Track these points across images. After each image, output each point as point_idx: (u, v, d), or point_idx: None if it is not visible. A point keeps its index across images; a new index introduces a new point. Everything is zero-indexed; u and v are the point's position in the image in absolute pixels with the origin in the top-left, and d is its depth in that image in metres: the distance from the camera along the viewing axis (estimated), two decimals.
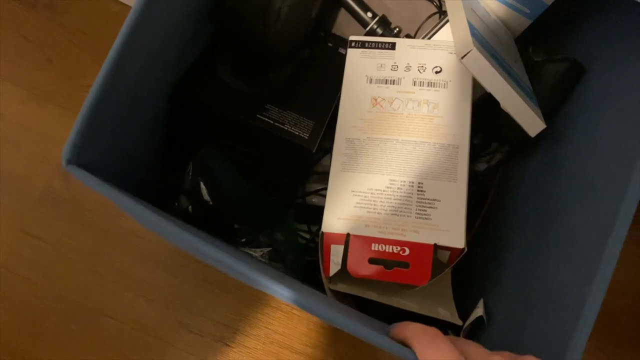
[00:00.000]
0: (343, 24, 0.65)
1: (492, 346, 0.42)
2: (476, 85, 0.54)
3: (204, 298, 0.70)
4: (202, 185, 0.53)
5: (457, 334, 0.51)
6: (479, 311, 0.49)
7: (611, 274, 0.35)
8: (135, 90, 0.42)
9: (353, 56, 0.55)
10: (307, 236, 0.60)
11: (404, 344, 0.33)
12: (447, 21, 0.60)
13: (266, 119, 0.51)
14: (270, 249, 0.58)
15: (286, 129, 0.51)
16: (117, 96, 0.39)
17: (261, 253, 0.58)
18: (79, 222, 0.71)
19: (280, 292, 0.35)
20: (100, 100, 0.36)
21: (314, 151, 0.51)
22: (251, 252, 0.58)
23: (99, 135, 0.38)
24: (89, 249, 0.71)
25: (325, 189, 0.54)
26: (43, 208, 0.71)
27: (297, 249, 0.59)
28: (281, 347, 0.70)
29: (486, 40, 0.52)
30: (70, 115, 0.73)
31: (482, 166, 0.64)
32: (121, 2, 0.76)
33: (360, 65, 0.55)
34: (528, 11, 0.59)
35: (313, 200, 0.62)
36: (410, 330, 0.33)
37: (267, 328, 0.70)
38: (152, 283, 0.70)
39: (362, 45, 0.56)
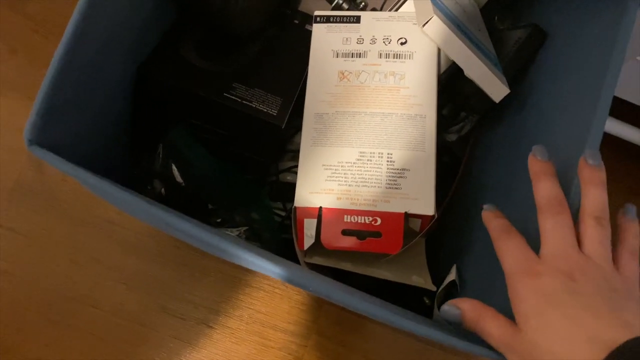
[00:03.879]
0: (309, 1, 0.65)
1: None
2: (444, 57, 0.55)
3: (184, 282, 0.70)
4: (174, 167, 0.53)
5: (432, 299, 0.52)
6: (451, 276, 0.50)
7: None
8: (96, 71, 0.42)
9: (318, 31, 0.55)
10: (283, 214, 0.60)
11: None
12: None
13: (233, 97, 0.51)
14: (247, 228, 0.58)
15: (254, 106, 0.51)
16: (76, 76, 0.39)
17: (237, 233, 0.58)
18: (54, 212, 0.71)
19: (272, 269, 0.35)
20: (58, 79, 0.36)
21: (282, 127, 0.51)
22: (228, 232, 0.58)
23: (60, 115, 0.38)
24: (65, 239, 0.70)
25: (297, 165, 0.55)
26: (16, 200, 0.71)
27: (273, 227, 0.59)
28: (264, 326, 0.71)
29: (448, 8, 0.52)
30: None
31: (453, 137, 0.64)
32: None
33: (325, 40, 0.55)
34: None
35: (287, 177, 0.62)
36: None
37: (250, 308, 0.71)
38: (131, 270, 0.70)
39: (327, 20, 0.56)
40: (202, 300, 0.70)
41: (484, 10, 0.64)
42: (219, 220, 0.57)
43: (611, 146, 0.67)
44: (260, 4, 0.53)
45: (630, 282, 0.33)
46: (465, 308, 0.36)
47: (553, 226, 0.34)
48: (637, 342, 0.28)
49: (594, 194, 0.35)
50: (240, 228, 0.58)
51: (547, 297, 0.32)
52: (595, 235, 0.34)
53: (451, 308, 0.37)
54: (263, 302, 0.71)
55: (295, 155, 0.63)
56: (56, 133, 0.37)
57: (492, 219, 0.39)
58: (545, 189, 0.36)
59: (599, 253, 0.33)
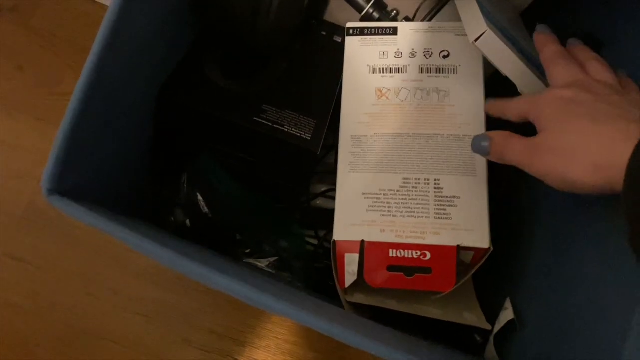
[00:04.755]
0: (336, 10, 0.61)
1: (529, 349, 0.38)
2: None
3: (206, 312, 0.66)
4: (200, 197, 0.49)
5: (485, 339, 0.47)
6: (508, 314, 0.46)
7: None
8: (118, 98, 0.38)
9: (352, 45, 0.51)
10: (315, 242, 0.56)
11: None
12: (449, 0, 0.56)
13: (263, 121, 0.47)
14: (277, 257, 0.54)
15: (286, 130, 0.47)
16: (98, 108, 0.34)
17: (267, 263, 0.54)
18: (67, 240, 0.66)
19: (286, 311, 0.31)
20: (79, 118, 0.32)
21: (318, 153, 0.47)
22: (256, 263, 0.54)
23: (80, 156, 0.33)
24: (79, 269, 0.66)
25: (331, 189, 0.50)
26: (27, 228, 0.66)
27: (305, 256, 0.55)
28: (293, 357, 0.66)
29: (496, 18, 0.48)
30: (46, 127, 0.68)
31: None
32: (93, 1, 0.70)
33: (360, 54, 0.51)
34: None
35: (317, 202, 0.57)
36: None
37: (277, 338, 0.67)
38: (150, 300, 0.66)
39: (360, 32, 0.51)
40: (226, 330, 0.66)
41: (523, 17, 0.60)
42: (247, 250, 0.53)
43: None
44: (290, 18, 0.48)
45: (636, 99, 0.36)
46: (496, 141, 0.40)
47: (566, 64, 0.39)
48: None
49: (575, 44, 0.42)
50: (269, 258, 0.54)
51: (577, 105, 0.35)
52: (598, 66, 0.38)
53: (483, 137, 0.41)
54: (291, 331, 0.67)
55: (323, 176, 0.59)
56: (75, 175, 0.33)
57: (546, 44, 0.42)
58: (550, 49, 0.41)
59: (610, 78, 0.37)
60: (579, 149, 0.33)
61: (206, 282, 0.32)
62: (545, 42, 0.42)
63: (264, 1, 0.44)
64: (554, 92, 0.37)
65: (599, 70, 0.38)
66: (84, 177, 0.35)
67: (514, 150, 0.38)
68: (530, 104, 0.38)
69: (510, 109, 0.41)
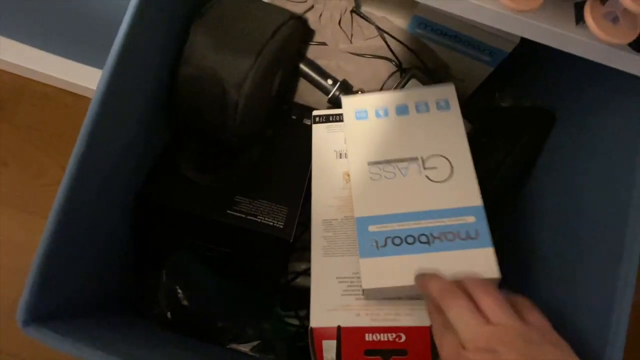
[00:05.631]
0: (305, 91, 0.64)
1: None
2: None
3: None
4: (179, 290, 0.50)
5: None
6: None
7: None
8: (95, 215, 0.39)
9: (318, 131, 0.54)
10: (296, 322, 0.57)
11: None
12: (410, 77, 0.59)
13: (237, 214, 0.49)
14: (259, 341, 0.55)
15: (259, 220, 0.49)
16: (75, 229, 0.36)
17: (250, 347, 0.55)
18: None
19: None
20: (54, 242, 0.33)
21: (291, 241, 0.48)
22: (240, 348, 0.54)
23: (57, 279, 0.35)
24: None
25: (309, 268, 0.52)
26: (16, 323, 0.67)
27: (287, 337, 0.56)
28: None
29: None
30: (32, 219, 0.69)
31: None
32: (73, 93, 0.73)
33: (326, 140, 0.53)
34: (488, 59, 0.58)
35: (298, 281, 0.59)
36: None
37: None
38: None
39: (326, 119, 0.54)
40: None
41: (483, 87, 0.63)
42: (230, 337, 0.54)
43: None
44: (259, 111, 0.51)
45: (542, 330, 0.36)
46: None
47: (457, 312, 0.37)
48: None
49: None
50: (252, 342, 0.55)
51: None
52: (490, 302, 0.37)
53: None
54: None
55: (300, 254, 0.60)
56: (53, 299, 0.34)
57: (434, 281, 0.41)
58: (435, 284, 0.40)
59: (505, 317, 0.36)
60: None
61: None
62: (432, 280, 0.41)
63: (230, 103, 0.46)
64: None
65: (496, 312, 0.36)
66: (62, 299, 0.36)
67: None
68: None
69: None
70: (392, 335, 0.45)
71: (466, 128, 0.55)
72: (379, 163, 0.48)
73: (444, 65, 0.63)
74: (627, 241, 0.37)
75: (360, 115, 0.52)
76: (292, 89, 0.63)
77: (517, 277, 0.52)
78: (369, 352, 0.45)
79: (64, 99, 0.73)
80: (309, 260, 0.49)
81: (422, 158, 0.48)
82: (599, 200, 0.41)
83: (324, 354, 0.45)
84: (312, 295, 0.47)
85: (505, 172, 0.50)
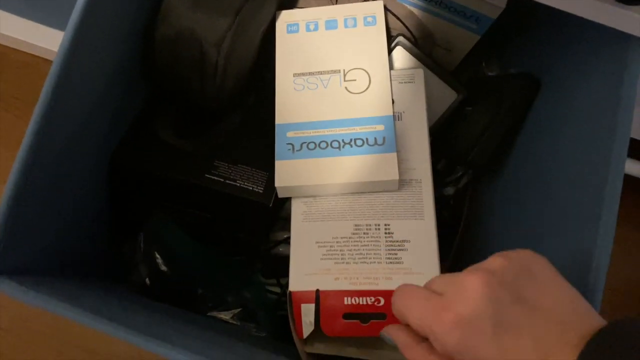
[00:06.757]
0: None
1: None
2: (432, 110, 0.52)
3: None
4: (157, 255, 0.50)
5: None
6: None
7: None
8: (65, 167, 0.39)
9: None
10: (278, 290, 0.56)
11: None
12: (396, 45, 0.58)
13: (216, 178, 0.48)
14: (240, 309, 0.54)
15: (238, 185, 0.48)
16: (42, 179, 0.35)
17: (231, 315, 0.54)
18: (30, 346, 0.66)
19: None
20: (21, 189, 0.32)
21: (270, 205, 0.48)
22: (220, 316, 0.54)
23: (25, 230, 0.34)
24: (50, 331, 0.66)
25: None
26: None
27: (269, 305, 0.55)
28: None
29: None
30: None
31: (450, 190, 0.61)
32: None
33: None
34: (475, 27, 0.57)
35: (279, 249, 0.58)
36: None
37: None
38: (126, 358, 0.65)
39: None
40: None
41: (470, 56, 0.62)
42: (210, 304, 0.53)
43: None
44: (240, 75, 0.50)
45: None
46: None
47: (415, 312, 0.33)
48: None
49: None
50: (233, 310, 0.54)
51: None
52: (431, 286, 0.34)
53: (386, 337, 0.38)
54: None
55: (285, 223, 0.59)
56: (21, 250, 0.34)
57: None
58: (394, 327, 0.37)
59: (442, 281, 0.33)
60: None
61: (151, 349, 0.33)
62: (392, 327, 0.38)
63: (210, 65, 0.45)
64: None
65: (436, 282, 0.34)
66: (31, 250, 0.35)
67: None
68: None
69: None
70: (371, 299, 0.44)
71: (450, 97, 0.55)
72: (303, 75, 0.51)
73: (429, 34, 0.62)
74: (605, 202, 0.36)
75: (292, 28, 0.53)
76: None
77: (501, 238, 0.52)
78: (347, 316, 0.44)
79: (44, 67, 0.72)
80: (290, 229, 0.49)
81: (343, 71, 0.51)
82: (579, 160, 0.41)
83: (303, 318, 0.45)
84: (292, 260, 0.47)
85: (489, 137, 0.50)
